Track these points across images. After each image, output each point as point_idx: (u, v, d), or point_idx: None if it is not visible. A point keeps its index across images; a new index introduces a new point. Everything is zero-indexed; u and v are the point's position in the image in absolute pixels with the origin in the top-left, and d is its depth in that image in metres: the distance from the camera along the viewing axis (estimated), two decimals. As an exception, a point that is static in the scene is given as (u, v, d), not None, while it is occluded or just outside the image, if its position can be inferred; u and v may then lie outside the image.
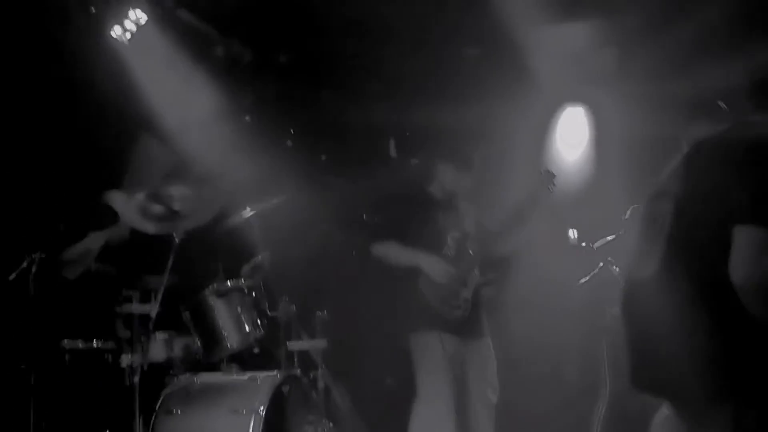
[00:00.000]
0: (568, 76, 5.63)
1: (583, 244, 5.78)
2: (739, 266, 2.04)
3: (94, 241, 4.19)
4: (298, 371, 4.22)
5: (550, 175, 4.11)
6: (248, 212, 4.28)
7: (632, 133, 5.39)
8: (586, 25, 5.38)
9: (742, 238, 2.05)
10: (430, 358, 3.96)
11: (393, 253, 4.05)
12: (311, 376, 4.36)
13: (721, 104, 2.42)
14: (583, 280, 4.40)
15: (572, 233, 6.19)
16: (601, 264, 4.40)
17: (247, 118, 5.36)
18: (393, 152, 6.25)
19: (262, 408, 3.73)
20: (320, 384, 4.35)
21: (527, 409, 5.06)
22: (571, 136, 6.11)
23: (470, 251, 4.10)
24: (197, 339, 4.14)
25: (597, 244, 4.37)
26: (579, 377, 5.15)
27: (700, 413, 2.16)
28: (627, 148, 5.39)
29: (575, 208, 5.83)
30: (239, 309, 4.18)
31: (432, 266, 3.97)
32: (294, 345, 4.33)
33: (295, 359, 4.32)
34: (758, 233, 2.04)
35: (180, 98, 4.84)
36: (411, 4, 4.65)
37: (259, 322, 4.21)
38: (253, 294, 4.23)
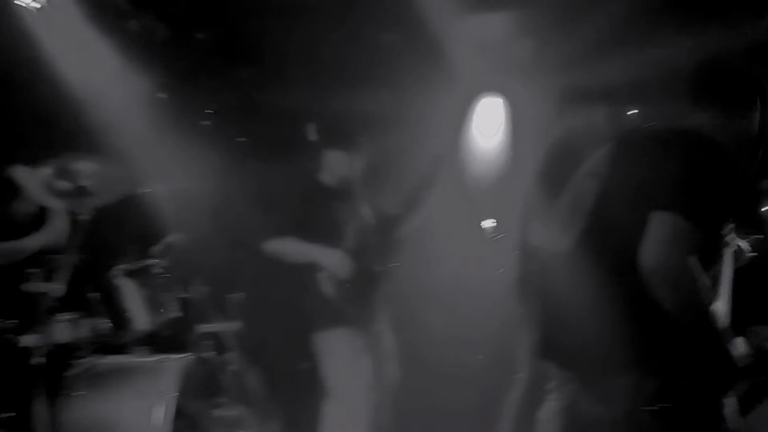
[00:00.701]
0: (485, 66, 5.70)
1: (500, 236, 5.89)
2: (649, 252, 2.10)
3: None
4: (210, 354, 4.16)
5: (441, 158, 4.10)
6: (160, 191, 4.18)
7: (547, 124, 5.50)
8: (503, 16, 5.46)
9: (657, 225, 2.10)
10: (340, 357, 3.84)
11: (290, 249, 3.87)
12: (223, 359, 4.31)
13: (632, 112, 2.48)
14: (501, 270, 4.44)
15: (488, 224, 6.31)
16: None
17: (163, 95, 5.21)
18: (313, 136, 6.19)
19: (170, 391, 3.66)
20: (232, 367, 4.30)
21: (437, 402, 5.11)
22: (488, 126, 6.20)
23: (371, 242, 3.99)
24: (104, 320, 4.02)
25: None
26: (491, 368, 5.21)
27: (604, 384, 2.24)
28: (542, 138, 5.49)
29: (490, 198, 5.93)
30: (149, 290, 4.08)
31: (332, 261, 3.80)
32: (206, 327, 4.27)
33: (207, 342, 4.25)
34: (672, 222, 2.09)
35: (92, 72, 4.68)
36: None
37: (169, 303, 4.13)
38: (164, 275, 4.14)
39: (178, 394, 3.68)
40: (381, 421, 4.07)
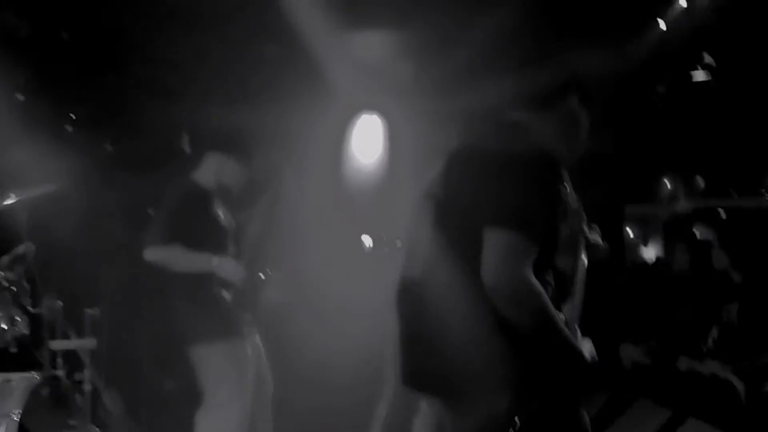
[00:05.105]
0: (364, 85, 5.71)
1: (384, 238, 5.87)
2: (486, 269, 2.08)
3: None
4: (61, 372, 3.92)
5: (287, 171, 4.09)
6: (12, 199, 3.91)
7: (424, 144, 5.55)
8: (383, 36, 5.49)
9: (490, 242, 2.10)
10: (223, 364, 3.68)
11: (180, 258, 3.63)
12: (77, 378, 4.07)
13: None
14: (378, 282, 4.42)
15: (366, 240, 6.29)
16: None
17: (20, 96, 4.89)
18: (187, 147, 6.03)
19: (16, 412, 3.45)
20: (87, 387, 4.06)
21: (304, 409, 5.03)
22: (366, 144, 6.22)
23: (247, 248, 3.90)
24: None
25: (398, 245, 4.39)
26: (358, 379, 5.17)
27: (462, 408, 2.22)
28: (419, 158, 5.54)
29: (369, 214, 5.94)
30: (-6, 303, 3.80)
31: (226, 269, 3.68)
32: (58, 344, 4.03)
33: (59, 360, 4.01)
34: (503, 238, 2.08)
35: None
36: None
37: (18, 319, 3.85)
38: (13, 288, 3.86)
39: (23, 415, 3.47)
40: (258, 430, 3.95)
